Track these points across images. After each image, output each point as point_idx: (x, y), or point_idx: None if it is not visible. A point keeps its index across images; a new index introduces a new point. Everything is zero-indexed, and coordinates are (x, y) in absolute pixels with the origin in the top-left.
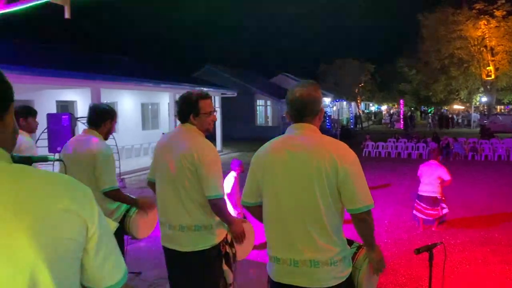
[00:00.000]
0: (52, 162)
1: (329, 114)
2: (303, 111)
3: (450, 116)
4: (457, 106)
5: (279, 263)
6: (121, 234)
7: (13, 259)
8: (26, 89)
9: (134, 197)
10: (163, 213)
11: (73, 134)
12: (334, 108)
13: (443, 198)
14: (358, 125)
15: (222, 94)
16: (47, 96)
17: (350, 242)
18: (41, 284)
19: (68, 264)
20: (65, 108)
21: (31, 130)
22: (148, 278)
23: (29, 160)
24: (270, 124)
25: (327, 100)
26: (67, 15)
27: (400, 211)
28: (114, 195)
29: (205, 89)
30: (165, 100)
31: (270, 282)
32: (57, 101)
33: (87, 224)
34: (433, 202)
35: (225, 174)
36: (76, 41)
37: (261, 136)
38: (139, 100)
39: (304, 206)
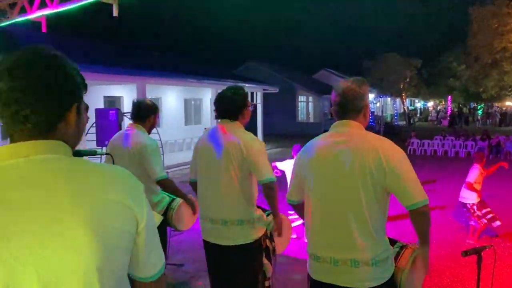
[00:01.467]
0: (100, 156)
1: (372, 110)
2: (346, 107)
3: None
4: (509, 103)
5: (319, 261)
6: (164, 226)
7: (72, 247)
8: None
9: (185, 193)
10: (206, 208)
11: (120, 129)
12: (378, 104)
13: (472, 208)
14: (411, 121)
15: (264, 90)
16: (95, 91)
17: (393, 242)
18: (97, 273)
19: (119, 254)
20: (112, 103)
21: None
22: (189, 270)
23: (78, 154)
24: (311, 120)
25: (370, 96)
26: (115, 13)
27: (446, 211)
28: (167, 184)
29: (247, 85)
30: (207, 96)
31: (309, 280)
32: (104, 97)
33: (138, 217)
34: (464, 208)
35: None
36: (121, 38)
37: (302, 132)
38: (182, 96)
39: (346, 205)
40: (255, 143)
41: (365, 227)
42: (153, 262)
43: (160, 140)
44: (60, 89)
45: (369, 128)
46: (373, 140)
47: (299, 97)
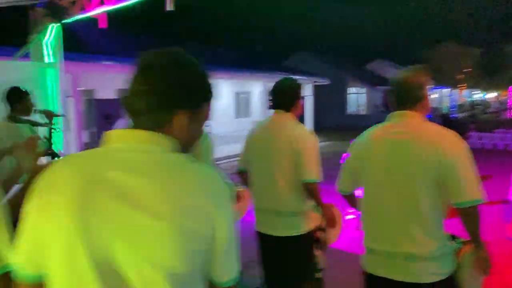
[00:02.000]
0: None
1: None
2: (404, 97)
3: None
4: None
5: (374, 254)
6: None
7: (153, 241)
8: None
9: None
10: (259, 199)
11: None
12: (434, 96)
13: None
14: (473, 114)
15: (314, 82)
16: None
17: (453, 238)
18: (175, 269)
19: (195, 257)
20: None
21: None
22: (241, 260)
23: None
24: (362, 112)
25: None
26: (170, 7)
27: (507, 207)
28: None
29: (297, 77)
30: (257, 89)
31: (364, 273)
32: None
33: (217, 224)
34: None
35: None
36: (172, 32)
37: (352, 125)
38: (232, 89)
39: (403, 198)
40: (309, 139)
41: (422, 221)
42: (228, 269)
43: (212, 132)
44: (179, 93)
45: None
46: (432, 132)
47: (350, 88)
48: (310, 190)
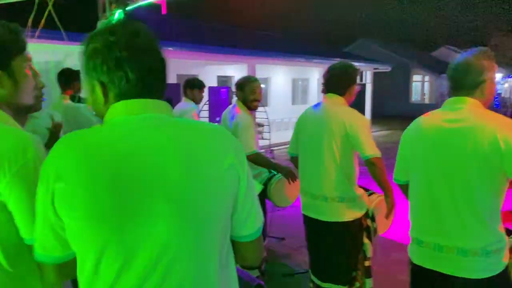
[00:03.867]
0: None
1: (499, 92)
2: (459, 82)
3: None
4: None
5: (421, 246)
6: (263, 198)
7: (174, 198)
8: (191, 65)
9: (276, 163)
10: (307, 183)
11: None
12: (506, 85)
13: None
14: None
15: (374, 69)
16: (209, 71)
17: (509, 232)
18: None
19: (224, 210)
20: (224, 82)
21: (197, 101)
22: (291, 244)
23: None
24: (426, 101)
25: (498, 76)
26: None
27: None
28: (254, 158)
29: (356, 63)
30: (314, 75)
31: (411, 264)
32: (218, 76)
33: (240, 175)
34: None
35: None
36: (230, 17)
37: (415, 114)
38: (290, 76)
39: (455, 188)
40: (359, 119)
41: (476, 214)
42: (250, 222)
43: (268, 118)
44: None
45: (493, 110)
46: (490, 120)
47: (414, 76)
48: (374, 166)
